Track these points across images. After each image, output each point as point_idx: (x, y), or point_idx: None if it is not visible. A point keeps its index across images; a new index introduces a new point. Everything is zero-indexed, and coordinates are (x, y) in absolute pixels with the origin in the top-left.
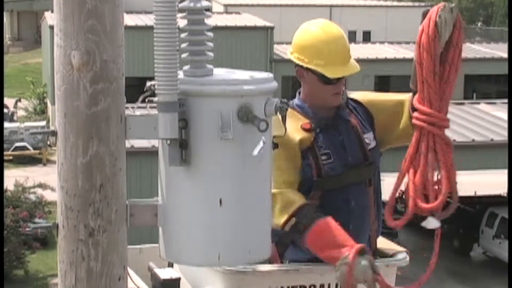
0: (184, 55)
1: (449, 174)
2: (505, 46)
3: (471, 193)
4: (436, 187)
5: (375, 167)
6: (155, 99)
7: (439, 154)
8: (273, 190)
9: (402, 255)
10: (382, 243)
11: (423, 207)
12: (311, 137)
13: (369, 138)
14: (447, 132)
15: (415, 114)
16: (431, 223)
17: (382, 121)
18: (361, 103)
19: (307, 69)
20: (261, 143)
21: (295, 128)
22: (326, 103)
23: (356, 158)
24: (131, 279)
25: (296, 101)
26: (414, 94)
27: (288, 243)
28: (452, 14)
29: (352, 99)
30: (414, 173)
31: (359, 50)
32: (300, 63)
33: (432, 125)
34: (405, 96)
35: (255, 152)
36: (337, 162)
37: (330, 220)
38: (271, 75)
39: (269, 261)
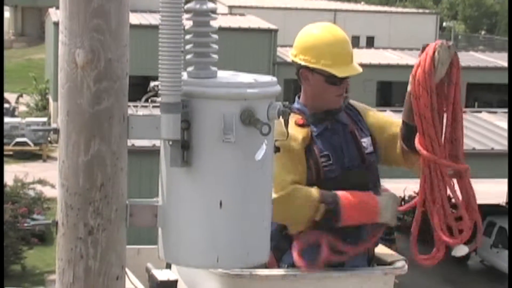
0: (188, 57)
1: (468, 205)
2: (508, 56)
3: None
4: (457, 219)
5: (373, 171)
6: (158, 99)
7: (452, 187)
8: (283, 192)
9: (401, 263)
10: (381, 250)
11: (449, 242)
12: (308, 132)
13: (366, 142)
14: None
15: (421, 159)
16: (460, 250)
17: (373, 135)
18: (357, 109)
19: (313, 70)
20: (264, 147)
21: (292, 128)
22: (329, 104)
23: (353, 160)
24: (129, 279)
25: (296, 105)
26: (404, 124)
27: (286, 248)
28: (450, 51)
29: (349, 104)
30: (433, 208)
31: (362, 55)
32: (307, 64)
33: (438, 165)
34: (398, 121)
35: (259, 156)
36: (336, 165)
37: (347, 193)
38: (274, 78)
39: (266, 266)
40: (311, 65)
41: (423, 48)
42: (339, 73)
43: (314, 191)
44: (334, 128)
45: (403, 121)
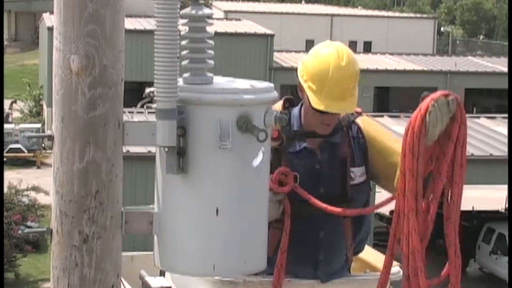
0: (184, 63)
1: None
2: (506, 60)
3: (469, 208)
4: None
5: (356, 205)
6: (154, 105)
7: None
8: None
9: (395, 269)
10: (375, 256)
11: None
12: (276, 145)
13: (355, 173)
14: None
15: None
16: None
17: (371, 160)
18: (362, 134)
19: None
20: (261, 154)
21: None
22: (313, 127)
23: (331, 191)
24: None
25: (295, 110)
26: None
27: None
28: (449, 107)
29: (357, 125)
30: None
31: (359, 61)
32: (300, 77)
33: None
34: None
35: (256, 163)
36: (304, 188)
37: None
38: (271, 85)
39: None
40: (301, 81)
41: (422, 99)
42: (314, 103)
43: None
44: (319, 150)
45: None
